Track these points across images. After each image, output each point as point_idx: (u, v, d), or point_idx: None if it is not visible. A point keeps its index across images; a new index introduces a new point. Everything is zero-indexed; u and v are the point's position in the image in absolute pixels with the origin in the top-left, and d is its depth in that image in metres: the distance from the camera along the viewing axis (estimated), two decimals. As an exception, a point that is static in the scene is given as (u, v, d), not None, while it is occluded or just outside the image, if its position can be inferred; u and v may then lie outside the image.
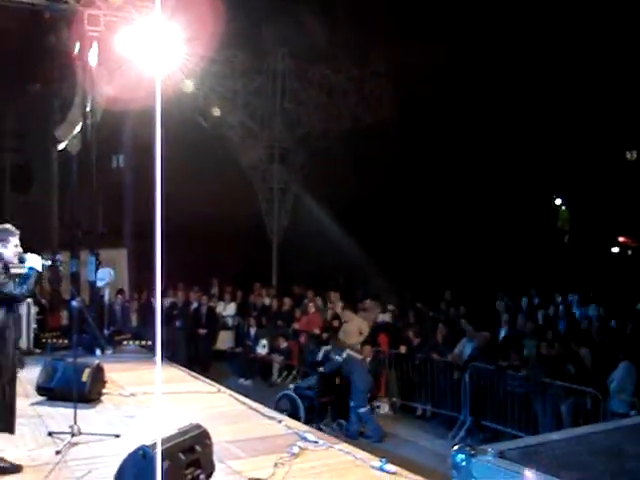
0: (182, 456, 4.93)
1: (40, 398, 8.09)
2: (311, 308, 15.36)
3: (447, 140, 21.00)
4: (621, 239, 27.54)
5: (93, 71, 12.36)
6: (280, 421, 7.48)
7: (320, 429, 8.03)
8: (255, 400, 8.62)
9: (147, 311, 14.91)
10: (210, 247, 18.60)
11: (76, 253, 13.19)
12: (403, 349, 12.97)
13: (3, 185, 16.81)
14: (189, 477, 4.98)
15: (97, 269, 12.77)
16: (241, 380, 14.34)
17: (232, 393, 8.94)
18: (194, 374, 10.34)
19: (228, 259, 18.80)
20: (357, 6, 19.10)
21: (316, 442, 6.58)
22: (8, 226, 5.87)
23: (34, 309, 11.76)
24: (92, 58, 12.22)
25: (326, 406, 11.19)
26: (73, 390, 6.92)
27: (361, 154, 20.17)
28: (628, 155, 25.97)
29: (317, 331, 14.47)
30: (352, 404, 10.74)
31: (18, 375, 6.05)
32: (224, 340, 16.29)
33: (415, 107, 19.91)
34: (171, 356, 12.13)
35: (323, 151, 19.98)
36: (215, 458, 5.51)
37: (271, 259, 20.69)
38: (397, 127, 19.77)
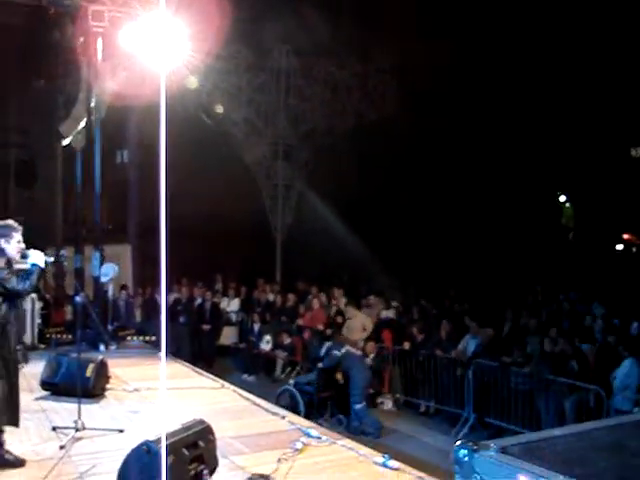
0: (186, 451, 4.93)
1: (44, 393, 8.10)
2: (315, 304, 15.36)
3: (451, 137, 20.99)
4: (625, 236, 27.53)
5: (97, 67, 12.36)
6: (283, 417, 7.49)
7: (320, 424, 8.01)
8: (259, 396, 8.63)
9: (151, 307, 14.94)
10: (214, 243, 18.60)
11: (80, 249, 13.22)
12: (407, 345, 12.98)
13: (7, 181, 16.83)
14: (192, 472, 4.98)
15: (101, 265, 12.79)
16: (245, 376, 14.36)
17: (236, 389, 8.95)
18: (198, 370, 10.36)
19: (232, 255, 18.81)
20: (361, 2, 19.09)
21: (319, 438, 6.58)
22: (11, 222, 5.88)
23: (38, 304, 11.79)
24: (96, 54, 12.23)
25: (326, 401, 11.20)
26: (77, 385, 6.92)
27: (365, 150, 20.16)
28: (633, 152, 25.92)
29: (321, 327, 14.48)
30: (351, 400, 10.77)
31: (22, 370, 6.07)
32: (228, 336, 16.31)
33: (419, 104, 19.86)
34: (175, 352, 12.14)
35: (327, 148, 19.96)
36: (219, 453, 5.52)
37: (275, 255, 20.69)
38: (401, 123, 19.73)
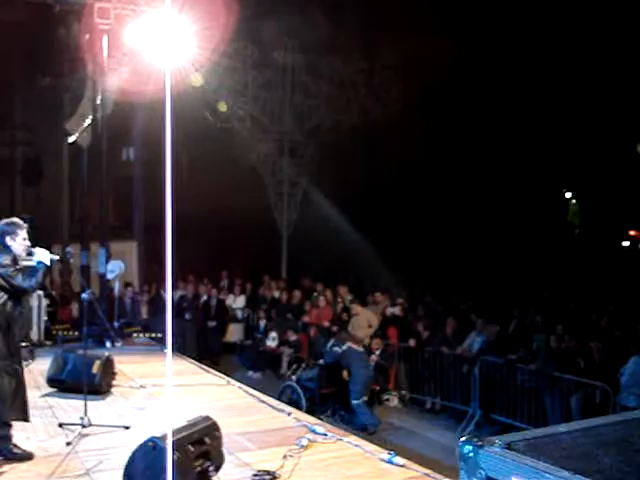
0: (192, 448, 4.94)
1: (51, 390, 8.13)
2: (322, 301, 15.36)
3: (457, 133, 20.95)
4: (632, 233, 27.45)
5: (103, 64, 12.39)
6: (289, 413, 7.50)
7: (321, 420, 8.03)
8: (264, 392, 8.66)
9: (157, 304, 14.96)
10: (219, 240, 18.62)
11: (86, 246, 13.24)
12: (412, 342, 12.96)
13: (14, 178, 16.89)
14: (198, 469, 5.00)
15: (107, 262, 12.82)
16: (250, 372, 14.36)
17: (241, 385, 8.98)
18: (204, 366, 10.38)
19: (237, 252, 18.80)
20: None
21: (325, 435, 6.59)
22: (16, 219, 5.90)
23: (45, 301, 11.82)
24: (102, 51, 12.25)
25: (327, 398, 11.21)
26: (83, 382, 6.96)
27: (371, 147, 20.14)
28: (638, 149, 25.81)
29: (327, 324, 14.48)
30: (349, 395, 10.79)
31: (29, 367, 6.10)
32: (234, 333, 16.31)
33: (425, 100, 19.84)
34: (181, 348, 12.18)
35: (333, 144, 19.95)
36: (224, 450, 5.52)
37: (280, 252, 20.68)
38: (407, 120, 19.70)
